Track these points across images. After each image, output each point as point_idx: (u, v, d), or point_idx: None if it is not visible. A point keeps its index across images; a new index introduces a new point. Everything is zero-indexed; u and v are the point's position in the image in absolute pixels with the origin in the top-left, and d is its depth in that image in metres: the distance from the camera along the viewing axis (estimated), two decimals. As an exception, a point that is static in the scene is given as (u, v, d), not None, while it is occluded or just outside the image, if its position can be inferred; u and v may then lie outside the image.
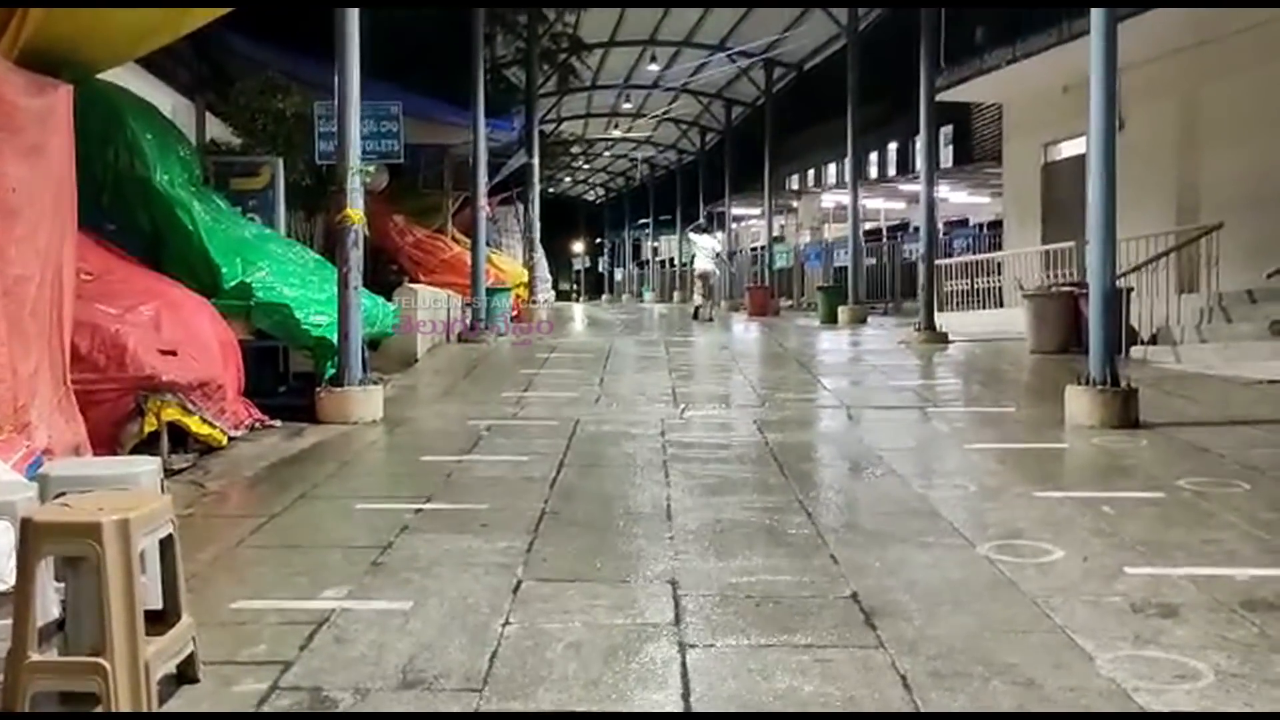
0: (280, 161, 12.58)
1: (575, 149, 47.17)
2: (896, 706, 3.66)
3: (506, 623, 4.45)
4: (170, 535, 3.83)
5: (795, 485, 7.05)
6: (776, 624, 4.46)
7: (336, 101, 9.90)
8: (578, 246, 70.80)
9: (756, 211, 38.35)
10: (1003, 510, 6.44)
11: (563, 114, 37.28)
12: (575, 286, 67.87)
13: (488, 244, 24.23)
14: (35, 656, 3.45)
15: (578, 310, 33.40)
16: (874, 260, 31.58)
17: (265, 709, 3.62)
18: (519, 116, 23.44)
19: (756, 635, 4.34)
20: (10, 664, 3.46)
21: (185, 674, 3.82)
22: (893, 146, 43.53)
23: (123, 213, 9.42)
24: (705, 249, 26.97)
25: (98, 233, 8.60)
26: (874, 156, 44.08)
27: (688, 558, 5.41)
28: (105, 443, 6.79)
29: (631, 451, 8.30)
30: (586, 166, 54.94)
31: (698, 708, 3.63)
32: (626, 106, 38.08)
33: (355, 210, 9.66)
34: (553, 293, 38.94)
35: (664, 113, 39.34)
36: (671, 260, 52.14)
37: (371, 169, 10.96)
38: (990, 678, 3.90)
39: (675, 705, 3.66)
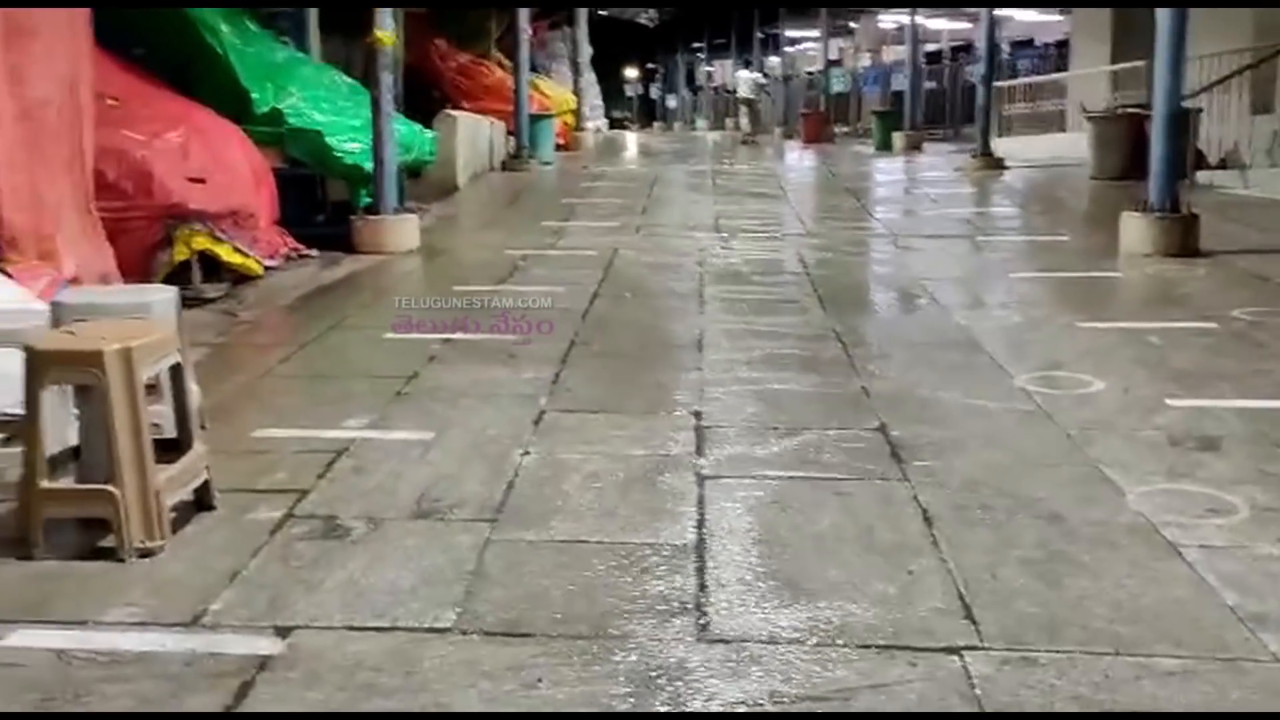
0: (312, -19, 12.17)
1: (627, -31, 45.44)
2: (915, 540, 3.58)
3: (526, 453, 4.41)
4: (178, 364, 3.78)
5: (833, 315, 6.89)
6: (799, 456, 4.37)
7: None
8: (630, 73, 68.99)
9: (814, 34, 36.97)
10: (1045, 341, 6.25)
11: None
12: (627, 114, 66.39)
13: (534, 70, 23.67)
14: (45, 484, 3.46)
15: (627, 138, 32.76)
16: (934, 84, 30.44)
17: (279, 536, 3.62)
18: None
19: (777, 468, 4.26)
20: (23, 492, 3.48)
21: (202, 501, 3.83)
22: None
23: (150, 36, 9.18)
24: (748, 79, 28.12)
25: (124, 57, 8.40)
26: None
27: (715, 389, 5.32)
28: (137, 271, 6.76)
29: (668, 281, 8.15)
30: (639, -13, 53.02)
31: (710, 540, 3.58)
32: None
33: (385, 32, 9.35)
34: (604, 120, 38.18)
35: (720, -73, 37.64)
36: (724, 86, 50.74)
37: (401, -12, 10.57)
38: (1015, 511, 3.81)
39: (690, 536, 3.61)
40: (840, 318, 6.80)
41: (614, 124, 48.29)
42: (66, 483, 3.62)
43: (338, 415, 4.89)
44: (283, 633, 3.00)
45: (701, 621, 3.07)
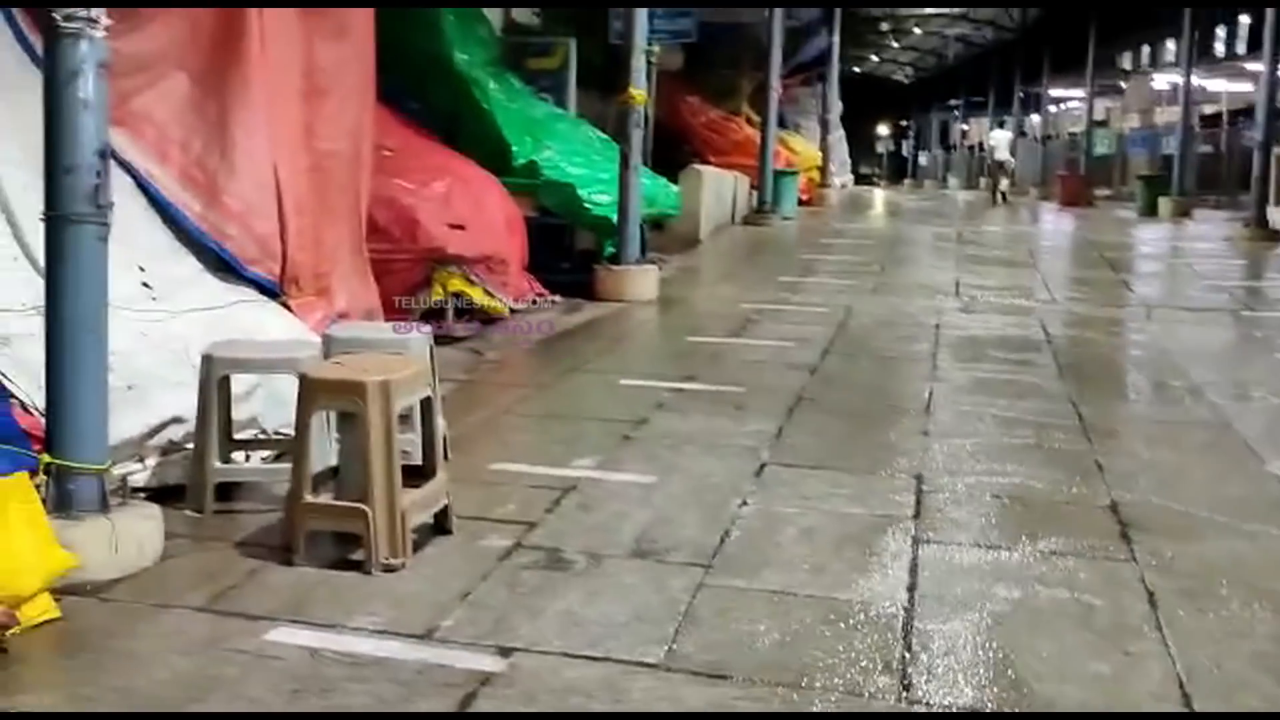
0: (573, 42, 12.83)
1: (884, 26, 45.31)
2: (1136, 623, 3.48)
3: (744, 504, 4.52)
4: (429, 398, 4.11)
5: (1071, 387, 6.69)
6: (1022, 528, 4.31)
7: (625, -20, 9.97)
8: (882, 129, 68.48)
9: (1078, 93, 35.77)
10: (1306, 426, 5.89)
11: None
12: (877, 171, 65.84)
13: (784, 125, 23.94)
14: (308, 499, 3.83)
15: (874, 195, 32.57)
16: (1209, 148, 28.85)
17: (507, 563, 3.86)
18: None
19: (998, 538, 4.21)
20: (289, 504, 3.87)
21: (441, 525, 4.13)
22: (1244, 20, 39.16)
23: (424, 92, 9.92)
24: (1002, 139, 28.15)
25: (401, 111, 9.11)
26: (1220, 31, 39.85)
27: (940, 453, 5.29)
28: (397, 308, 7.30)
29: (901, 342, 8.11)
30: (895, 45, 52.72)
31: (920, 606, 3.59)
32: (941, -21, 36.08)
33: (638, 90, 9.77)
34: (851, 176, 38.07)
35: (981, -16, 37.08)
36: (980, 145, 49.71)
37: (657, 49, 11.00)
38: (1251, 602, 3.63)
39: (900, 598, 3.63)
40: (1080, 390, 6.60)
41: (861, 180, 48.06)
42: (326, 499, 3.99)
43: (568, 454, 5.15)
44: (505, 653, 3.21)
45: (904, 682, 3.09)
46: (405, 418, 4.24)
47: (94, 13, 3.49)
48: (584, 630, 3.37)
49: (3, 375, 3.79)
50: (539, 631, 3.35)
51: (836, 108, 29.08)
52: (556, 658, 3.20)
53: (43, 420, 3.63)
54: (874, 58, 56.33)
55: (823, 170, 23.97)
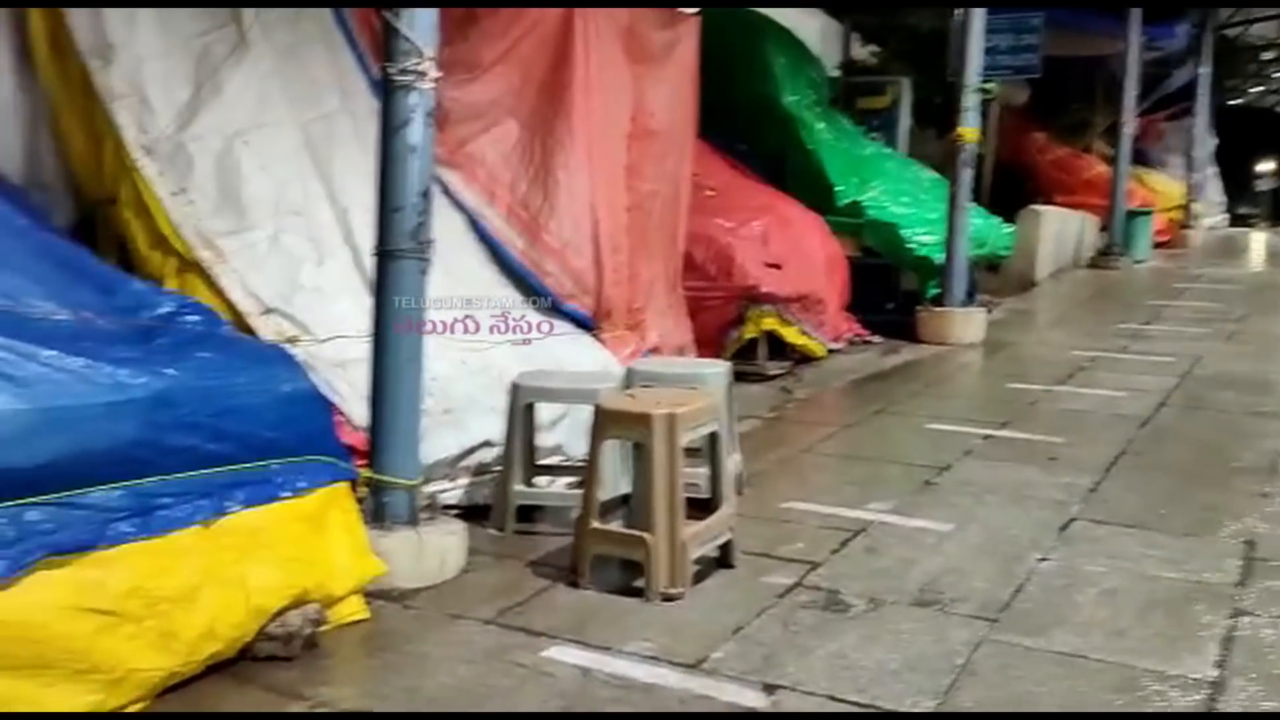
0: (906, 81, 12.65)
1: (1267, 54, 41.50)
2: None
3: (1043, 559, 4.28)
4: (715, 432, 4.18)
5: None
6: (1369, 608, 3.82)
7: (960, 16, 9.75)
8: (1264, 166, 62.52)
9: None
10: None
11: (1253, 14, 32.88)
12: (1255, 210, 60.15)
13: (1147, 163, 22.44)
14: (596, 524, 3.99)
15: (1248, 238, 29.78)
16: None
17: (785, 601, 3.86)
18: (1184, 22, 21.21)
19: (1337, 616, 3.76)
20: (577, 529, 4.05)
21: (724, 559, 4.18)
22: None
23: (752, 133, 10.12)
24: None
25: (728, 151, 9.34)
26: None
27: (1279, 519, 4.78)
28: (710, 345, 7.46)
29: (1251, 398, 7.37)
30: (1281, 74, 48.19)
31: (1231, 679, 3.26)
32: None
33: (969, 129, 9.50)
34: (1224, 217, 35.05)
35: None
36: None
37: (991, 86, 10.63)
38: None
39: (1209, 673, 3.31)
40: None
41: (1238, 221, 44.04)
42: (614, 526, 4.14)
43: (863, 497, 5.06)
44: (770, 689, 3.21)
45: (1198, 767, 2.82)
46: (698, 450, 4.32)
47: (424, 66, 3.83)
48: (853, 674, 3.31)
49: (337, 394, 4.20)
50: (807, 671, 3.32)
51: (1206, 143, 26.93)
52: (821, 699, 3.16)
53: (366, 437, 4.00)
54: (1256, 89, 51.64)
55: (1186, 210, 22.22)
